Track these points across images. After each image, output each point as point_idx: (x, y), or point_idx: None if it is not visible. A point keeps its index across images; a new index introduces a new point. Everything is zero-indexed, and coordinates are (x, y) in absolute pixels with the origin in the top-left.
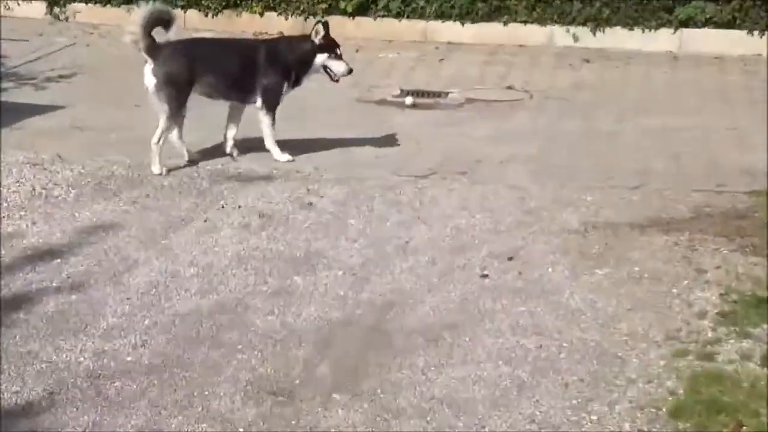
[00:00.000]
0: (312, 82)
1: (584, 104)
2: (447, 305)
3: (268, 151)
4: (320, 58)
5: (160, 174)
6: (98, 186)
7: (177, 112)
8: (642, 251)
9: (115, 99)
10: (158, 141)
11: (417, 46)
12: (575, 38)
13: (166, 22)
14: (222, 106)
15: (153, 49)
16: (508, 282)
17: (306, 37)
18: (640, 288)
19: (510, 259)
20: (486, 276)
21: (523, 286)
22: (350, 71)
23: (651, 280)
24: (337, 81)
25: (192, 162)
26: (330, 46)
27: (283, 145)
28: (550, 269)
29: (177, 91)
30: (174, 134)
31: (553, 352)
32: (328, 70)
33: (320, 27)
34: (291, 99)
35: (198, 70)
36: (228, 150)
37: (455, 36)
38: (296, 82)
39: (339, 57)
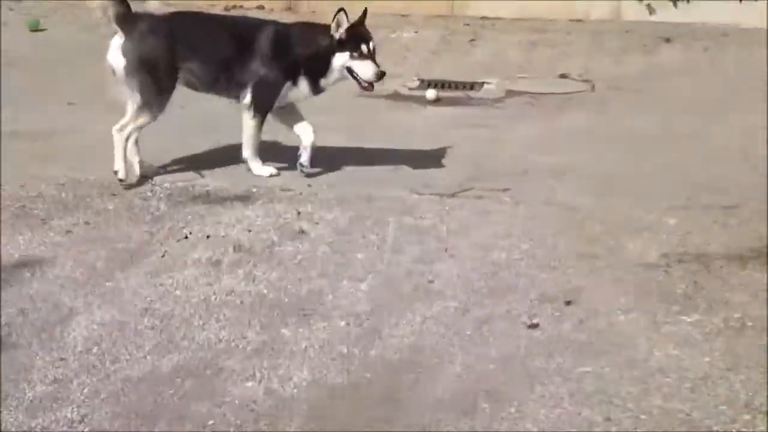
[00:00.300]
0: None
1: (662, 98)
2: (485, 365)
3: (244, 162)
4: (340, 59)
5: (123, 180)
6: (22, 211)
7: (153, 105)
8: (743, 291)
9: (42, 96)
10: (121, 130)
11: (441, 22)
12: (650, 10)
13: None
14: (188, 106)
15: (126, 19)
16: (566, 334)
17: (324, 28)
18: (742, 340)
19: (568, 303)
20: (536, 326)
21: (586, 339)
22: (380, 75)
23: (755, 330)
24: (366, 88)
25: (146, 177)
26: (355, 41)
27: (265, 152)
28: (621, 317)
29: (153, 78)
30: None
31: (627, 426)
32: (354, 74)
33: (342, 17)
34: None
35: (180, 53)
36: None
37: (491, 9)
38: (314, 87)
39: (366, 56)
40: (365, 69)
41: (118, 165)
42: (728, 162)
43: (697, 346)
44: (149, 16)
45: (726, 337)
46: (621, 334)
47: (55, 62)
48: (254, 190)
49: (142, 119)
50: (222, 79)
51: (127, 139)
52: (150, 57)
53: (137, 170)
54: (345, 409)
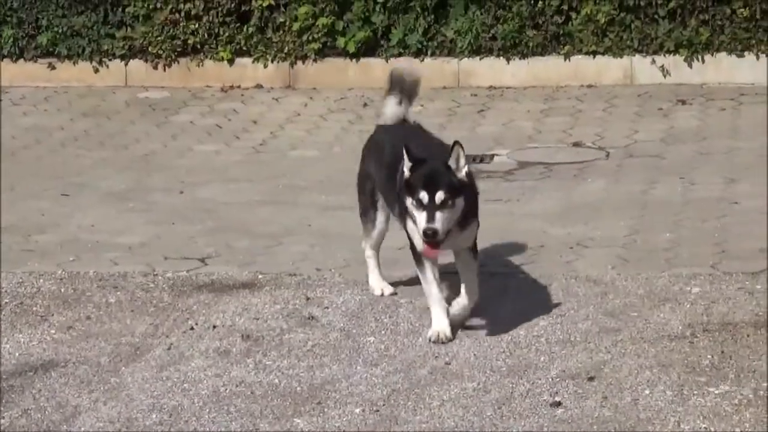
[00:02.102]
0: (308, 148)
1: (682, 162)
2: None
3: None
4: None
5: (381, 294)
6: (20, 308)
7: (361, 216)
8: (762, 355)
9: (35, 187)
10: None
11: (447, 93)
12: (665, 72)
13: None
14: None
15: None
16: (590, 411)
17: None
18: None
19: (591, 379)
20: (558, 404)
21: (611, 416)
22: (427, 232)
23: None
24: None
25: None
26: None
27: (261, 236)
28: (646, 391)
29: (359, 190)
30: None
31: None
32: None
33: (460, 151)
34: (280, 174)
35: (372, 168)
36: None
37: (498, 78)
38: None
39: (429, 206)
40: (417, 220)
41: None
42: (752, 226)
43: (726, 419)
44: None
45: (756, 408)
46: (647, 408)
47: (48, 152)
48: (260, 276)
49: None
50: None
51: (368, 251)
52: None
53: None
54: None
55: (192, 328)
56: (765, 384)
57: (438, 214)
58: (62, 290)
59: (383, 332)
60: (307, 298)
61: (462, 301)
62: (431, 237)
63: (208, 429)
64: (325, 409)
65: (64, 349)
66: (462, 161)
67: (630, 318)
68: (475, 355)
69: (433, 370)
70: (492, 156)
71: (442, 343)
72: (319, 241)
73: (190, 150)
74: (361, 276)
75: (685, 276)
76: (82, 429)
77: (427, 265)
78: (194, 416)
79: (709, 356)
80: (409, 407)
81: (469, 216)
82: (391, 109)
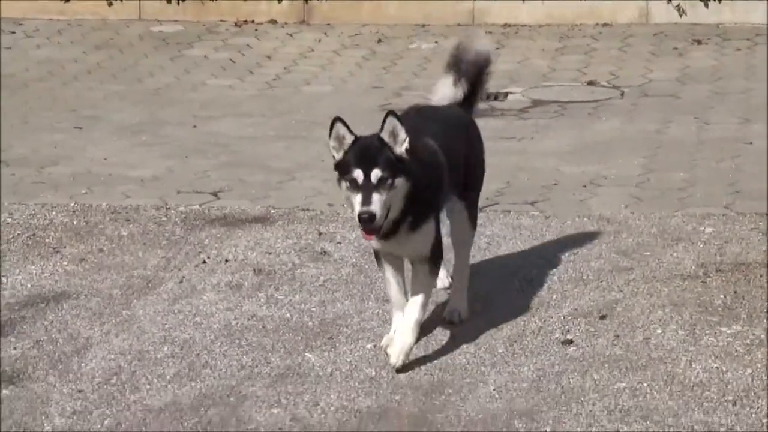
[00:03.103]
0: (321, 84)
1: (696, 102)
2: (518, 384)
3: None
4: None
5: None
6: (32, 240)
7: None
8: None
9: (48, 119)
10: None
11: (462, 31)
12: (680, 11)
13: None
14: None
15: None
16: (601, 349)
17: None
18: None
19: (603, 317)
20: (570, 342)
21: (623, 354)
22: (362, 216)
23: None
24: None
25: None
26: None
27: (275, 170)
28: (658, 330)
29: None
30: None
31: None
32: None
33: (395, 122)
34: (293, 109)
35: None
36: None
37: (513, 16)
38: None
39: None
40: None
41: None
42: (766, 166)
43: (738, 359)
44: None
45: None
46: (658, 348)
47: (61, 84)
48: (273, 211)
49: None
50: None
51: None
52: None
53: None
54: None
55: (204, 262)
56: None
57: (376, 196)
58: (74, 222)
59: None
60: (320, 233)
61: (394, 340)
62: (368, 223)
63: (219, 362)
64: (337, 344)
65: (76, 281)
66: (401, 135)
67: (643, 257)
68: (487, 292)
69: (446, 305)
70: (506, 94)
71: (398, 371)
72: (331, 177)
73: (204, 84)
74: None
75: (698, 216)
76: (94, 361)
77: (387, 264)
78: (205, 349)
79: (721, 296)
80: (420, 343)
81: (420, 209)
82: (443, 90)
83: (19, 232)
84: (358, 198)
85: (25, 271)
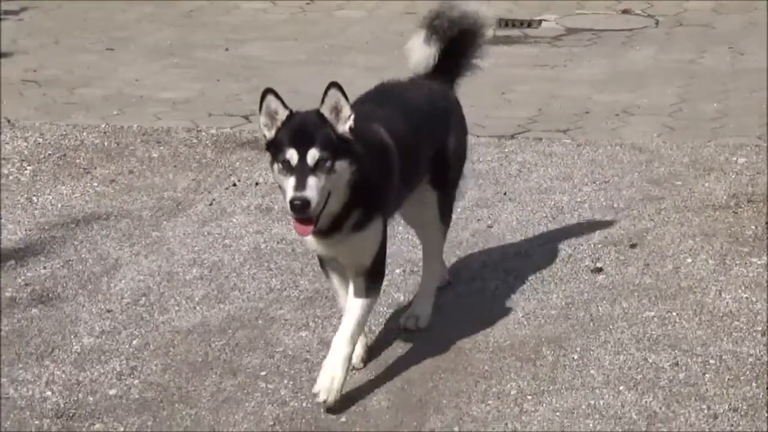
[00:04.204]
0: (353, 9)
1: (731, 33)
2: (547, 312)
3: None
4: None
5: None
6: (63, 160)
7: None
8: None
9: (80, 41)
10: None
11: None
12: None
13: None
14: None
15: None
16: (631, 278)
17: None
18: None
19: (633, 246)
20: (600, 270)
21: (652, 283)
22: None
23: None
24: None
25: None
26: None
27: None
28: (688, 259)
29: None
30: None
31: (696, 371)
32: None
33: (338, 96)
34: (325, 34)
35: None
36: None
37: None
38: None
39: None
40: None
41: None
42: None
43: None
44: None
45: None
46: (688, 277)
47: (94, 6)
48: None
49: None
50: None
51: None
52: None
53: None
54: (402, 356)
55: (234, 185)
56: None
57: (312, 180)
58: (105, 143)
59: None
60: None
61: (321, 375)
62: (301, 211)
63: (247, 285)
64: None
65: (106, 201)
66: (345, 110)
67: (674, 186)
68: (517, 219)
69: (475, 233)
70: (540, 21)
71: (328, 409)
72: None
73: (237, 7)
74: None
75: (731, 146)
76: (123, 281)
77: (333, 272)
78: (234, 272)
79: (752, 227)
80: (450, 269)
81: (366, 205)
82: (414, 48)
83: (50, 152)
84: (291, 182)
85: (56, 191)
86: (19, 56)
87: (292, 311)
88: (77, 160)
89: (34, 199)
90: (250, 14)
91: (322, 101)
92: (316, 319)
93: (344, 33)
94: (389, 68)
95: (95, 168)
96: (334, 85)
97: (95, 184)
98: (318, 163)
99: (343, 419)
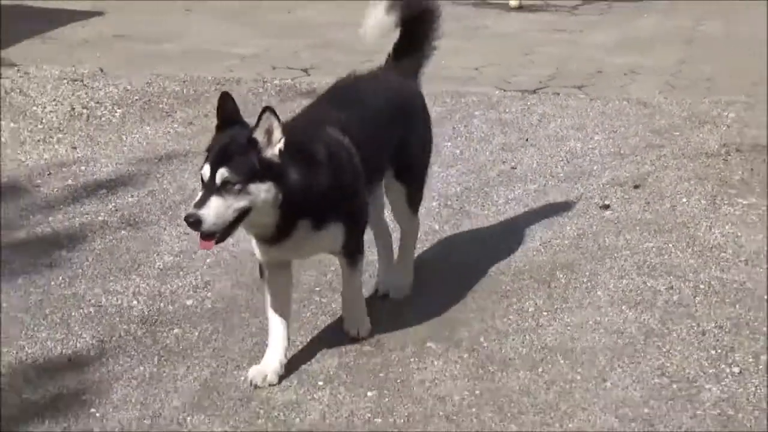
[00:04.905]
0: None
1: (727, 5)
2: (561, 241)
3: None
4: None
5: None
6: (148, 105)
7: None
8: None
9: (163, 3)
10: None
11: None
12: None
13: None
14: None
15: None
16: (634, 214)
17: None
18: None
19: (636, 187)
20: (607, 207)
21: (652, 219)
22: (187, 219)
23: None
24: None
25: None
26: None
27: (358, 52)
28: (683, 199)
29: None
30: None
31: (687, 294)
32: None
33: (271, 120)
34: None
35: None
36: None
37: None
38: None
39: (207, 185)
40: None
41: None
42: None
43: (752, 226)
44: None
45: None
46: (683, 214)
47: None
48: None
49: None
50: None
51: None
52: None
53: None
54: (436, 278)
55: None
56: None
57: (214, 200)
58: (184, 91)
59: (459, 138)
60: None
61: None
62: (192, 227)
63: None
64: None
65: (185, 141)
66: (276, 134)
67: (673, 136)
68: (537, 162)
69: (500, 173)
70: None
71: (256, 386)
72: None
73: None
74: (441, 91)
75: (723, 102)
76: None
77: (272, 277)
78: None
79: (739, 172)
80: (478, 203)
81: (323, 209)
82: (373, 17)
83: (137, 97)
84: (197, 197)
85: (141, 131)
86: (111, 15)
87: None
88: (160, 105)
89: (123, 137)
90: None
91: (257, 124)
92: (366, 244)
93: None
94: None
95: (175, 112)
96: (268, 109)
97: (175, 125)
98: (225, 184)
99: (382, 330)
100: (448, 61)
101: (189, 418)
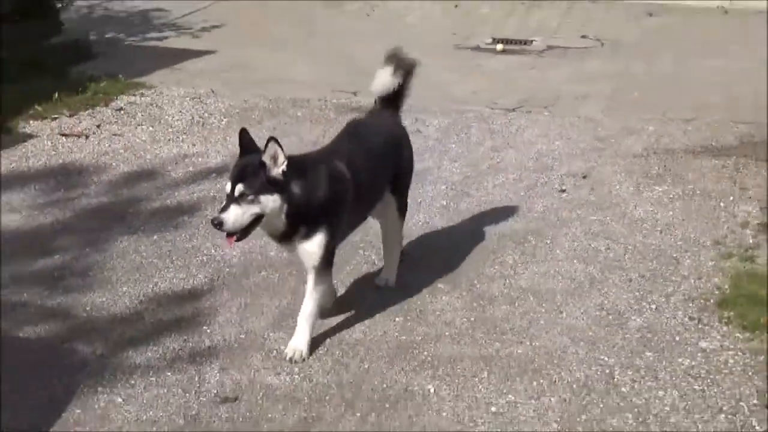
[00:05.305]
0: (409, 26)
1: (649, 51)
2: (531, 214)
3: None
4: None
5: None
6: (244, 115)
7: None
8: (695, 172)
9: (255, 44)
10: None
11: (506, 3)
12: None
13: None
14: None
15: None
16: (582, 196)
17: None
18: (693, 202)
19: (584, 177)
20: (564, 191)
21: (595, 200)
22: (213, 221)
23: (702, 196)
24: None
25: None
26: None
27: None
28: (617, 186)
29: None
30: None
31: (620, 253)
32: None
33: (275, 147)
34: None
35: None
36: None
37: None
38: None
39: (228, 197)
40: None
41: None
42: (691, 90)
43: (664, 205)
44: None
45: (683, 201)
46: (617, 197)
47: (265, 21)
48: None
49: None
50: None
51: None
52: None
53: None
54: (443, 239)
55: None
56: (689, 187)
57: (233, 207)
58: (269, 106)
59: (460, 142)
60: (416, 119)
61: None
62: (217, 227)
63: None
64: (424, 185)
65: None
66: (280, 158)
67: (610, 143)
68: (515, 159)
69: (489, 167)
70: (531, 41)
71: (295, 362)
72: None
73: (343, 23)
74: (448, 108)
75: (645, 119)
76: None
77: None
78: None
79: (656, 168)
80: (474, 187)
81: (311, 222)
82: (382, 78)
83: (237, 111)
84: (222, 205)
85: (253, 135)
86: (219, 53)
87: None
88: (252, 116)
89: (227, 138)
90: (348, 24)
91: (264, 151)
92: None
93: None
94: (453, 69)
95: (263, 121)
96: (272, 139)
97: (263, 131)
98: (242, 195)
99: (406, 277)
100: (453, 88)
101: (271, 335)
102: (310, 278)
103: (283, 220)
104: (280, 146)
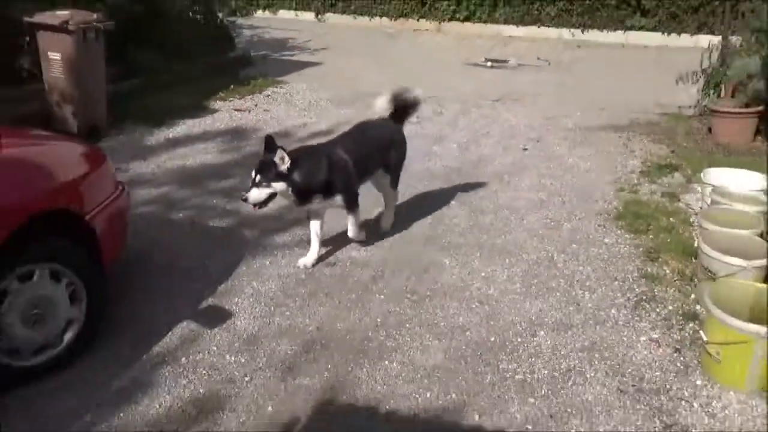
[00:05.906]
0: (435, 50)
1: (578, 69)
2: (507, 162)
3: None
4: None
5: None
6: (351, 102)
7: None
8: (603, 141)
9: (346, 59)
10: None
11: (493, 38)
12: (573, 34)
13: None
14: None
15: None
16: (537, 153)
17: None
18: (601, 158)
19: (537, 141)
20: (526, 149)
21: (544, 155)
22: (242, 197)
23: (606, 154)
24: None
25: None
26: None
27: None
28: (557, 147)
29: None
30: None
31: (558, 186)
32: None
33: (281, 153)
34: (417, 60)
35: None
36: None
37: (513, 31)
38: None
39: (252, 182)
40: None
41: None
42: (603, 93)
43: (586, 159)
44: None
45: (597, 156)
46: (557, 153)
47: (353, 45)
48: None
49: None
50: None
51: None
52: None
53: None
54: (457, 175)
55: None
56: (600, 148)
57: (254, 190)
58: (353, 96)
59: (465, 119)
60: (439, 105)
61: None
62: (243, 201)
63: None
64: (444, 144)
65: (354, 118)
66: (286, 159)
67: (554, 121)
68: (498, 131)
69: (483, 135)
70: (508, 60)
71: (361, 242)
72: (449, 80)
73: (397, 57)
74: (459, 99)
75: (574, 109)
76: None
77: (312, 216)
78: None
79: (581, 137)
80: (473, 146)
81: (329, 190)
82: (380, 103)
83: (337, 100)
84: (249, 187)
85: (338, 112)
86: (325, 64)
87: (419, 159)
88: (343, 101)
89: (330, 114)
90: (402, 53)
91: (274, 153)
92: (427, 161)
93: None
94: (470, 76)
95: (348, 106)
96: (279, 148)
97: (349, 111)
98: (259, 182)
99: (411, 233)
100: (462, 88)
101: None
102: (348, 212)
103: (291, 195)
104: (285, 151)
